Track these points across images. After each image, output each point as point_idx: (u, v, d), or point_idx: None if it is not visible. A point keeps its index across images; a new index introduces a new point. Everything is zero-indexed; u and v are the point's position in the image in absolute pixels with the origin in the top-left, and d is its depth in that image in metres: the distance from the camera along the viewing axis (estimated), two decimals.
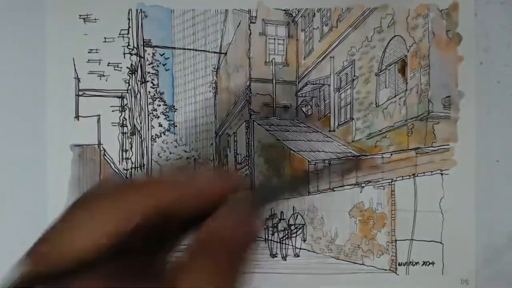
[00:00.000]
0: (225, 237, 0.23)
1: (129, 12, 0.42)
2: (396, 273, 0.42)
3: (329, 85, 0.44)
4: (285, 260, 0.43)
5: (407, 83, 0.42)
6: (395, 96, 0.43)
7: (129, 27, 0.42)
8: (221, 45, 0.43)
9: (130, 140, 0.43)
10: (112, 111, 0.43)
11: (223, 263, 0.23)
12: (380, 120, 0.43)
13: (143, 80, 0.43)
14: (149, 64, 0.43)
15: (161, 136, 0.43)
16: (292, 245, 0.43)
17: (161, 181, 0.25)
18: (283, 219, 0.43)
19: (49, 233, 0.24)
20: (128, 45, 0.42)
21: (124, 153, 0.43)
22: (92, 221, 0.23)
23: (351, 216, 0.43)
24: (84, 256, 0.23)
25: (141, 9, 0.42)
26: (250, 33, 0.43)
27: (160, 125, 0.43)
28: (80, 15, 0.42)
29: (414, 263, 0.42)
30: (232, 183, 0.24)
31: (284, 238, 0.43)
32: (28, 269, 0.23)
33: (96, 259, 0.23)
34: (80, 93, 0.42)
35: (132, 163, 0.43)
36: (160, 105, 0.43)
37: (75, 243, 0.23)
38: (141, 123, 0.43)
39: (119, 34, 0.42)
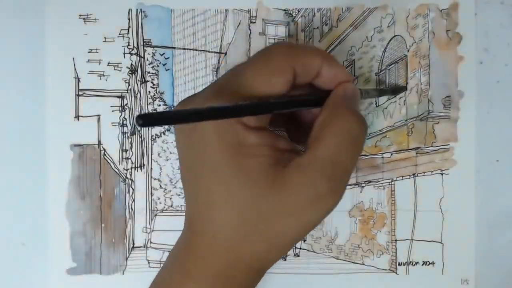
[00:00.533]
0: (355, 94, 0.32)
1: (129, 12, 0.42)
2: (396, 273, 0.42)
3: None
4: (285, 260, 0.43)
5: (407, 83, 0.42)
6: (395, 96, 0.43)
7: (129, 27, 0.42)
8: (221, 45, 0.43)
9: (130, 140, 0.43)
10: (112, 111, 0.43)
11: (357, 110, 0.31)
12: (380, 120, 0.43)
13: (143, 80, 0.43)
14: (149, 64, 0.43)
15: (161, 136, 0.43)
16: None
17: (322, 51, 0.34)
18: None
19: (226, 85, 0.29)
20: (128, 45, 0.43)
21: (124, 153, 0.43)
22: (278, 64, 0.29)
23: (351, 216, 0.43)
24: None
25: (141, 9, 0.42)
26: (250, 33, 0.43)
27: None
28: (80, 15, 0.42)
29: (414, 263, 0.42)
30: (351, 77, 0.34)
31: None
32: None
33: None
34: (80, 93, 0.42)
35: (132, 163, 0.43)
36: (160, 105, 0.43)
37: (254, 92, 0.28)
38: None
39: (119, 34, 0.42)
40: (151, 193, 0.43)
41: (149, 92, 0.43)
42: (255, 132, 0.28)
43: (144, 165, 0.43)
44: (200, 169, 0.29)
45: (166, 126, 0.43)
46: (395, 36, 0.42)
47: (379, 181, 0.43)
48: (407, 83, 0.42)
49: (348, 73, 0.32)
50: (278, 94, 0.29)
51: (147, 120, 0.23)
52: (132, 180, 0.43)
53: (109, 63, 0.43)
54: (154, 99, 0.43)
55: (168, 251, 0.42)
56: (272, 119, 0.32)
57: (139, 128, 0.24)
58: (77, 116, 0.42)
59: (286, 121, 0.36)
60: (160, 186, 0.43)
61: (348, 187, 0.43)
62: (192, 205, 0.31)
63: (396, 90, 0.42)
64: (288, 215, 0.27)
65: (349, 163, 0.29)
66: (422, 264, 0.42)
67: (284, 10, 0.43)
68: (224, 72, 0.43)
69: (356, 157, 0.29)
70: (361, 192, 0.43)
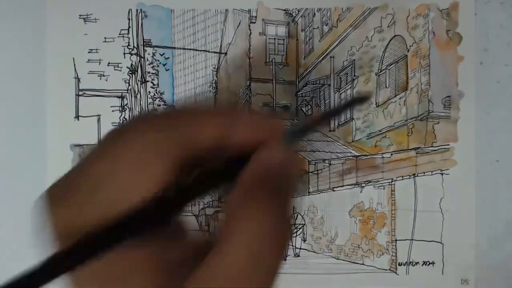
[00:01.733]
0: (278, 171, 0.21)
1: (129, 12, 0.42)
2: (396, 273, 0.42)
3: (329, 85, 0.43)
4: (285, 260, 0.43)
5: (407, 83, 0.42)
6: (395, 96, 0.43)
7: (129, 27, 0.42)
8: (221, 45, 0.43)
9: None
10: (112, 111, 0.43)
11: (280, 194, 0.21)
12: (380, 120, 0.43)
13: (143, 80, 0.43)
14: (149, 64, 0.43)
15: None
16: (292, 245, 0.43)
17: (218, 110, 0.22)
18: None
19: (72, 189, 0.21)
20: (128, 45, 0.42)
21: None
22: (140, 161, 0.20)
23: (351, 216, 0.43)
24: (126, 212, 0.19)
25: (141, 9, 0.42)
26: (250, 33, 0.43)
27: None
28: (80, 15, 0.42)
29: (414, 263, 0.42)
30: (277, 127, 0.22)
31: None
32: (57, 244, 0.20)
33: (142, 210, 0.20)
34: (80, 93, 0.42)
35: None
36: (160, 105, 0.43)
37: (114, 198, 0.20)
38: None
39: (119, 34, 0.42)
40: None
41: (149, 92, 0.43)
42: (124, 250, 0.20)
43: None
44: None
45: None
46: (395, 36, 0.42)
47: (379, 181, 0.43)
48: (407, 83, 0.42)
49: (274, 123, 0.22)
50: (156, 187, 0.20)
51: None
52: None
53: (109, 63, 0.42)
54: (154, 99, 0.43)
55: None
56: None
57: None
58: (77, 116, 0.42)
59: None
60: None
61: (348, 187, 0.43)
62: None
63: (346, 105, 0.37)
64: None
65: (271, 274, 0.20)
66: (422, 264, 0.42)
67: (284, 10, 0.42)
68: (224, 73, 0.43)
69: (279, 263, 0.20)
70: (361, 192, 0.43)
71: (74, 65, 0.42)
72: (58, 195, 0.21)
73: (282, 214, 0.20)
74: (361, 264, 0.43)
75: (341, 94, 0.44)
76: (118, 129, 0.21)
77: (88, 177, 0.20)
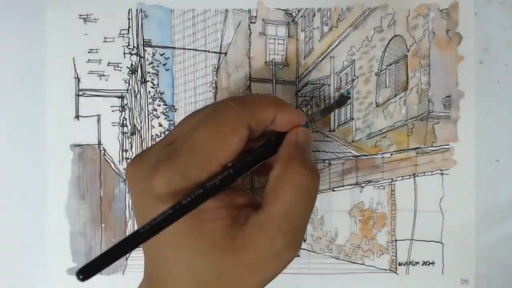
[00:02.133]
0: (305, 143, 0.31)
1: (129, 12, 0.42)
2: (396, 273, 0.42)
3: (329, 85, 0.43)
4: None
5: (407, 83, 0.42)
6: (395, 96, 0.43)
7: (129, 27, 0.42)
8: (221, 45, 0.43)
9: (130, 140, 0.43)
10: (112, 111, 0.43)
11: (312, 165, 0.30)
12: (380, 120, 0.43)
13: (143, 80, 0.43)
14: (149, 64, 0.43)
15: (161, 136, 0.43)
16: None
17: (273, 99, 0.32)
18: None
19: (175, 154, 0.28)
20: (128, 45, 0.43)
21: (124, 153, 0.43)
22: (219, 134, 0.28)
23: (351, 216, 0.43)
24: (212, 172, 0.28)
25: (141, 9, 0.42)
26: (250, 33, 0.43)
27: (160, 125, 0.43)
28: (80, 15, 0.42)
29: (414, 263, 0.42)
30: (304, 118, 0.32)
31: None
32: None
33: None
34: (80, 93, 0.42)
35: None
36: (160, 105, 0.43)
37: (212, 156, 0.28)
38: (141, 123, 0.43)
39: (119, 34, 0.42)
40: None
41: (149, 92, 0.43)
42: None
43: None
44: (160, 238, 0.27)
45: (167, 126, 0.43)
46: (395, 36, 0.42)
47: (379, 181, 0.43)
48: (407, 83, 0.42)
49: (301, 115, 0.32)
50: (235, 154, 0.28)
51: (88, 271, 0.23)
52: None
53: (109, 63, 0.43)
54: (154, 99, 0.43)
55: None
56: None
57: (81, 282, 0.23)
58: (77, 116, 0.42)
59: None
60: None
61: (348, 187, 0.43)
62: (151, 265, 0.31)
63: (339, 102, 0.42)
64: (249, 273, 0.28)
65: (304, 218, 0.29)
66: (422, 264, 0.42)
67: (284, 10, 0.42)
68: (224, 73, 0.43)
69: (310, 211, 0.30)
70: (361, 192, 0.43)
71: (74, 65, 0.42)
72: (165, 161, 0.28)
73: (314, 173, 0.29)
74: (361, 264, 0.43)
75: (338, 93, 0.44)
76: (211, 106, 0.31)
77: (188, 146, 0.28)
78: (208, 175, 0.28)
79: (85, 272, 0.23)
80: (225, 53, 0.43)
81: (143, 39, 0.43)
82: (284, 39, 0.43)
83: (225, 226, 0.28)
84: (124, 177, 0.42)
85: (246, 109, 0.29)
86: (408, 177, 0.42)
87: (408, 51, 0.42)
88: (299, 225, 0.29)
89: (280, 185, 0.29)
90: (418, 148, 0.42)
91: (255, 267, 0.28)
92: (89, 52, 0.42)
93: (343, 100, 0.43)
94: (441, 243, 0.42)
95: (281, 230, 0.27)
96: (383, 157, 0.43)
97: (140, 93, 0.43)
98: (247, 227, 0.28)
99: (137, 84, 0.43)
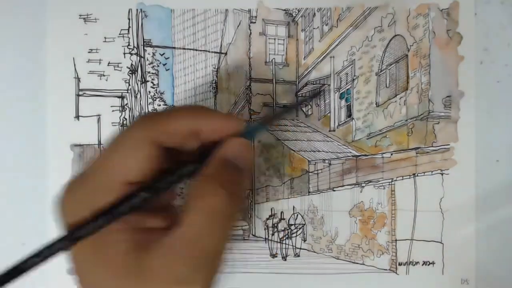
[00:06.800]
0: (235, 163, 0.28)
1: (129, 12, 0.42)
2: (396, 273, 0.42)
3: (329, 85, 0.43)
4: (285, 260, 0.43)
5: (408, 83, 0.42)
6: (395, 96, 0.43)
7: (129, 27, 0.42)
8: (221, 45, 0.43)
9: None
10: (112, 111, 0.43)
11: (235, 185, 0.28)
12: (380, 120, 0.43)
13: (143, 80, 0.43)
14: (149, 64, 0.43)
15: None
16: (292, 245, 0.43)
17: (189, 109, 0.29)
18: (283, 219, 0.43)
19: (80, 177, 0.27)
20: (128, 45, 0.43)
21: None
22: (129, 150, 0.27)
23: (351, 216, 0.43)
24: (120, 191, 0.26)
25: (141, 9, 0.42)
26: (250, 33, 0.43)
27: None
28: (80, 15, 0.42)
29: (414, 263, 0.42)
30: (238, 124, 0.29)
31: (284, 238, 0.43)
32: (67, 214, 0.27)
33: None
34: (80, 93, 0.42)
35: None
36: (160, 105, 0.43)
37: (111, 180, 0.26)
38: None
39: (119, 34, 0.42)
40: None
41: (149, 92, 0.43)
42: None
43: None
44: (76, 258, 0.27)
45: None
46: (395, 35, 0.42)
47: (379, 181, 0.43)
48: (407, 83, 0.42)
49: (233, 122, 0.29)
50: (143, 171, 0.27)
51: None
52: None
53: (109, 63, 0.43)
54: (154, 99, 0.43)
55: None
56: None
57: None
58: (77, 116, 0.42)
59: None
60: None
61: (348, 187, 0.43)
62: None
63: (306, 99, 0.41)
64: None
65: (215, 242, 0.26)
66: (422, 264, 0.42)
67: (284, 10, 0.42)
68: (224, 73, 0.43)
69: (225, 235, 0.27)
70: (361, 192, 0.43)
71: (74, 65, 0.42)
72: (69, 185, 0.28)
73: (231, 196, 0.26)
74: (361, 264, 0.43)
75: (341, 93, 0.44)
76: (119, 131, 0.28)
77: (92, 165, 0.27)
78: (116, 196, 0.26)
79: None
80: (225, 53, 0.43)
81: (143, 39, 0.43)
82: (284, 39, 0.43)
83: (127, 251, 0.26)
84: None
85: (151, 124, 0.27)
86: (408, 177, 0.42)
87: (409, 50, 0.42)
88: (208, 251, 0.26)
89: (191, 206, 0.26)
90: (418, 148, 0.42)
91: None
92: (89, 52, 0.42)
93: (309, 98, 0.41)
94: (441, 243, 0.42)
95: (182, 257, 0.25)
96: (383, 157, 0.43)
97: (140, 93, 0.43)
98: (151, 252, 0.26)
99: (137, 84, 0.43)
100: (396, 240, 0.42)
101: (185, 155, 0.29)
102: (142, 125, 0.27)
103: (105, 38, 0.42)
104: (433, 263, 0.42)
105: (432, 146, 0.42)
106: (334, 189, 0.43)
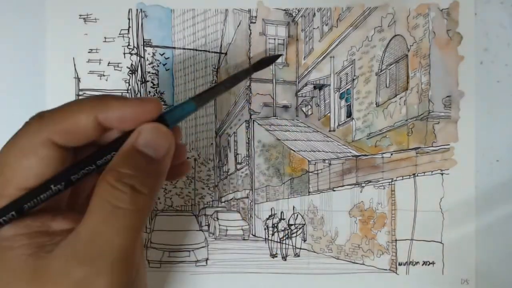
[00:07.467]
0: (145, 152, 0.26)
1: (129, 12, 0.42)
2: (396, 273, 0.42)
3: (329, 85, 0.43)
4: (285, 260, 0.43)
5: (408, 83, 0.42)
6: (395, 96, 0.43)
7: (129, 27, 0.42)
8: (221, 45, 0.43)
9: None
10: None
11: (147, 174, 0.25)
12: (380, 120, 0.43)
13: (143, 80, 0.43)
14: (149, 64, 0.43)
15: None
16: (292, 245, 0.43)
17: (95, 98, 0.27)
18: (283, 219, 0.43)
19: None
20: (128, 45, 0.42)
21: None
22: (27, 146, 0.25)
23: (351, 216, 0.43)
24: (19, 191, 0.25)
25: (141, 9, 0.42)
26: (250, 33, 0.43)
27: None
28: (80, 15, 0.42)
29: (414, 263, 0.42)
30: (152, 109, 0.26)
31: (284, 238, 0.43)
32: None
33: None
34: (80, 93, 0.42)
35: None
36: None
37: (6, 180, 0.25)
38: None
39: (119, 34, 0.42)
40: None
41: (149, 92, 0.43)
42: (8, 223, 0.26)
43: None
44: None
45: None
46: (395, 35, 0.42)
47: (379, 181, 0.43)
48: (407, 82, 0.42)
49: (144, 106, 0.26)
50: (40, 175, 0.25)
51: None
52: None
53: (109, 63, 0.43)
54: None
55: (168, 251, 0.42)
56: None
57: None
58: None
59: None
60: None
61: (348, 187, 0.43)
62: None
63: (258, 64, 0.37)
64: None
65: (115, 243, 0.24)
66: (422, 264, 0.42)
67: (284, 10, 0.42)
68: (224, 73, 0.43)
69: (128, 234, 0.24)
70: (361, 192, 0.43)
71: (74, 65, 0.42)
72: None
73: (131, 193, 0.24)
74: (361, 264, 0.43)
75: (341, 93, 0.44)
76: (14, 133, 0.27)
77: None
78: (8, 201, 0.25)
79: None
80: (225, 53, 0.43)
81: (143, 39, 0.43)
82: (284, 39, 0.43)
83: (25, 255, 0.24)
84: None
85: (46, 123, 0.25)
86: (408, 177, 0.42)
87: (409, 50, 0.42)
88: (106, 249, 0.24)
89: (90, 204, 0.25)
90: (418, 148, 0.42)
91: None
92: (89, 52, 0.42)
93: (262, 62, 0.37)
94: (441, 243, 0.42)
95: (77, 257, 0.24)
96: (383, 157, 0.43)
97: (140, 93, 0.43)
98: (51, 256, 0.24)
99: (137, 84, 0.43)
100: (396, 240, 0.42)
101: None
102: (36, 126, 0.26)
103: (105, 38, 0.42)
104: (433, 263, 0.42)
105: (432, 146, 0.42)
106: (334, 189, 0.43)
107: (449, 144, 0.42)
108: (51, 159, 0.25)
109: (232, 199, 0.44)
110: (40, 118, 0.26)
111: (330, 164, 0.43)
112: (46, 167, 0.25)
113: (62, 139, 0.25)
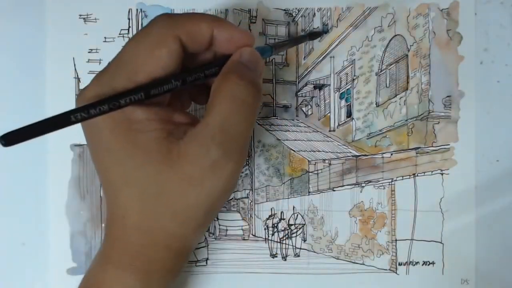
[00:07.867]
0: (248, 63, 0.30)
1: (129, 12, 0.42)
2: (396, 273, 0.42)
3: (329, 85, 0.44)
4: (285, 260, 0.43)
5: (408, 83, 0.42)
6: (395, 96, 0.43)
7: (129, 27, 0.42)
8: None
9: None
10: None
11: (247, 76, 0.29)
12: (380, 120, 0.43)
13: None
14: None
15: None
16: (292, 245, 0.43)
17: (213, 16, 0.31)
18: (283, 219, 0.43)
19: (108, 66, 0.29)
20: None
21: None
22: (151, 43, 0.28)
23: (351, 216, 0.43)
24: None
25: (141, 9, 0.42)
26: None
27: None
28: (80, 15, 0.42)
29: (414, 263, 0.42)
30: (250, 39, 0.31)
31: (284, 238, 0.43)
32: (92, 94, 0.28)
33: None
34: None
35: None
36: None
37: (135, 70, 0.28)
38: None
39: (119, 34, 0.42)
40: None
41: None
42: (143, 107, 0.28)
43: None
44: (100, 154, 0.29)
45: None
46: (395, 35, 0.42)
47: (379, 181, 0.43)
48: (407, 82, 0.42)
49: (247, 34, 0.31)
50: (166, 68, 0.28)
51: (12, 137, 0.24)
52: None
53: None
54: None
55: None
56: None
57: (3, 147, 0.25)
58: None
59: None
60: None
61: (348, 187, 0.43)
62: (104, 189, 0.31)
63: (312, 35, 0.42)
64: (189, 186, 0.27)
65: (241, 127, 0.28)
66: (422, 264, 0.42)
67: (284, 10, 0.42)
68: None
69: (249, 122, 0.29)
70: (361, 192, 0.43)
71: (74, 65, 0.42)
72: (96, 77, 0.29)
73: (251, 84, 0.29)
74: (361, 264, 0.43)
75: (341, 93, 0.44)
76: (143, 27, 0.29)
77: (116, 59, 0.29)
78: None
79: (9, 139, 0.24)
80: None
81: None
82: (284, 39, 0.43)
83: (159, 138, 0.27)
84: None
85: (176, 22, 0.28)
86: (408, 177, 0.42)
87: (409, 50, 0.42)
88: (236, 136, 0.28)
89: (216, 97, 0.28)
90: (418, 148, 0.42)
91: (194, 180, 0.27)
92: (89, 52, 0.42)
93: (316, 33, 0.42)
94: (441, 243, 0.42)
95: (215, 140, 0.27)
96: (383, 157, 0.43)
97: None
98: (183, 140, 0.28)
99: None
100: (396, 240, 0.42)
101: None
102: (164, 23, 0.28)
103: (105, 38, 0.42)
104: (433, 263, 0.42)
105: (432, 146, 0.42)
106: (334, 189, 0.43)
107: (449, 144, 0.42)
108: (178, 54, 0.28)
109: (232, 199, 0.44)
110: (169, 17, 0.29)
111: (330, 164, 0.43)
112: (173, 61, 0.28)
113: (187, 39, 0.28)
